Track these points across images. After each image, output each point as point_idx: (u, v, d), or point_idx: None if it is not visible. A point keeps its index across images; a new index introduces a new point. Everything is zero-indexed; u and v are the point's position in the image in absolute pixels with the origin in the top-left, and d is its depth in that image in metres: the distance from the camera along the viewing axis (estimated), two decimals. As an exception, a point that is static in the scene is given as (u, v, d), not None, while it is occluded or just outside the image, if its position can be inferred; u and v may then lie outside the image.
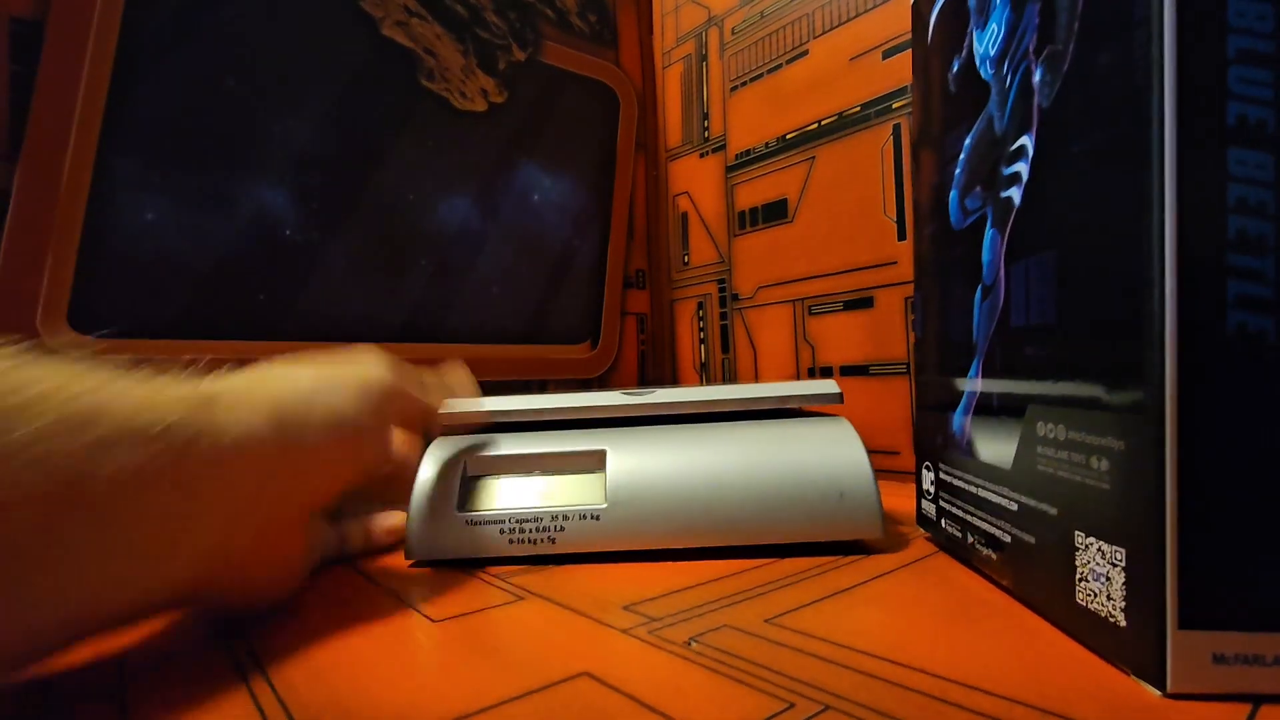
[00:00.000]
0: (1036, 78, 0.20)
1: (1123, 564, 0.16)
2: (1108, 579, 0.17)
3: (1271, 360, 0.15)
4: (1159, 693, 0.16)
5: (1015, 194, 0.22)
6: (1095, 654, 0.18)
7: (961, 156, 0.26)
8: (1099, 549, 0.17)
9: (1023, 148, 0.21)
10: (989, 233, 0.23)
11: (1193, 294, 0.15)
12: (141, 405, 0.16)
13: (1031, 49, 0.21)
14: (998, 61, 0.23)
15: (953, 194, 0.26)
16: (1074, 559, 0.18)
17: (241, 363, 0.24)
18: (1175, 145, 0.15)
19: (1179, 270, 0.15)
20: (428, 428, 0.31)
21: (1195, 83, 0.15)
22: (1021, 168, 0.21)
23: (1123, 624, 0.17)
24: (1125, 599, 0.16)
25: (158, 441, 0.16)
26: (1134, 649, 0.16)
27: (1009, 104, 0.22)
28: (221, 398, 0.19)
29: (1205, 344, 0.15)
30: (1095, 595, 0.18)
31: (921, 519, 0.31)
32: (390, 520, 0.32)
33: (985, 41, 0.24)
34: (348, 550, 0.30)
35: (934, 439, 0.29)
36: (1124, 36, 0.16)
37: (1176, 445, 0.15)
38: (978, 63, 0.24)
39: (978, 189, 0.24)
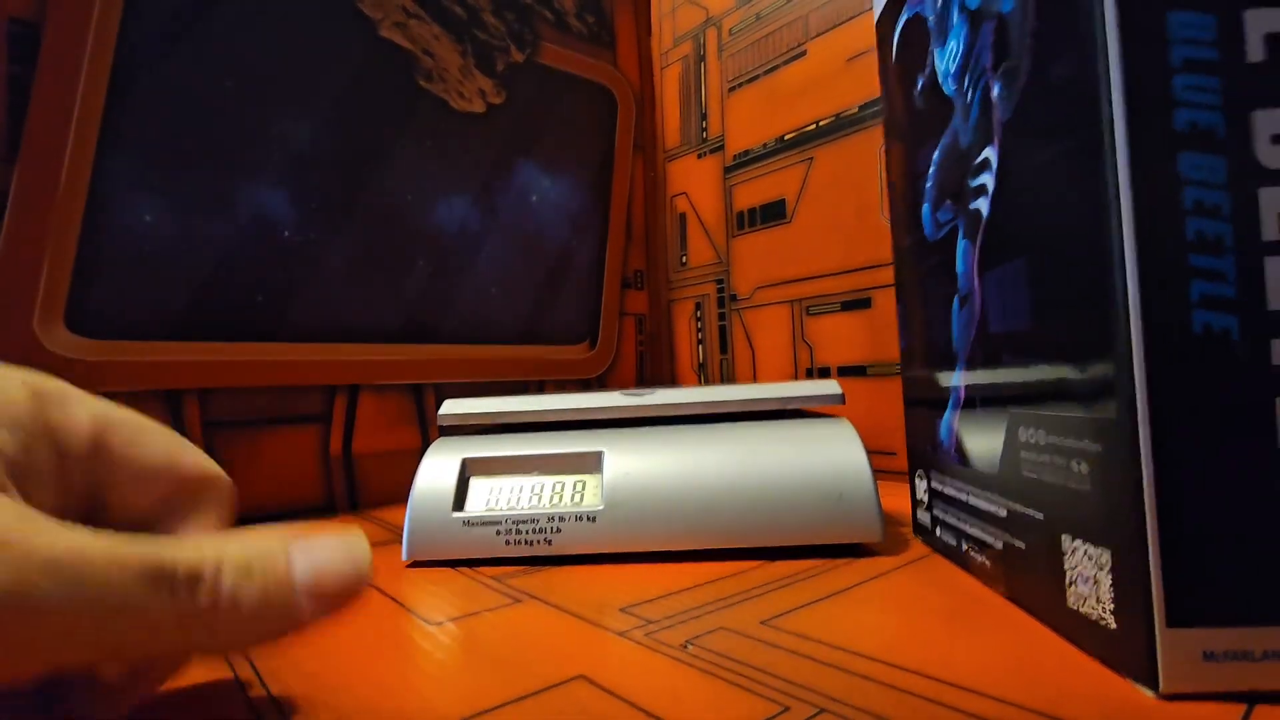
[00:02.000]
0: (995, 92, 0.21)
1: (1109, 566, 0.17)
2: (1095, 581, 0.17)
3: (1237, 357, 0.15)
4: (1153, 694, 0.16)
5: (983, 205, 0.22)
6: (1090, 657, 0.18)
7: (931, 170, 0.26)
8: (1085, 552, 0.18)
9: (987, 160, 0.21)
10: (961, 243, 0.24)
11: (1157, 296, 0.15)
12: None
13: (989, 65, 0.21)
14: (958, 77, 0.23)
15: (925, 207, 0.27)
16: (1062, 563, 0.19)
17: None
18: (1128, 152, 0.15)
19: (1141, 273, 0.15)
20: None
21: (1142, 92, 0.15)
22: (987, 179, 0.22)
23: (1113, 626, 0.17)
24: (1114, 600, 0.17)
25: None
26: (1125, 651, 0.16)
27: (972, 118, 0.22)
28: None
29: (1172, 344, 0.15)
30: (1085, 598, 0.18)
31: (918, 527, 0.31)
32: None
33: (946, 58, 0.24)
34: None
35: (924, 447, 0.29)
36: (1072, 50, 0.17)
37: (1151, 445, 0.15)
38: (940, 79, 0.25)
39: (948, 202, 0.25)
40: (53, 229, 0.36)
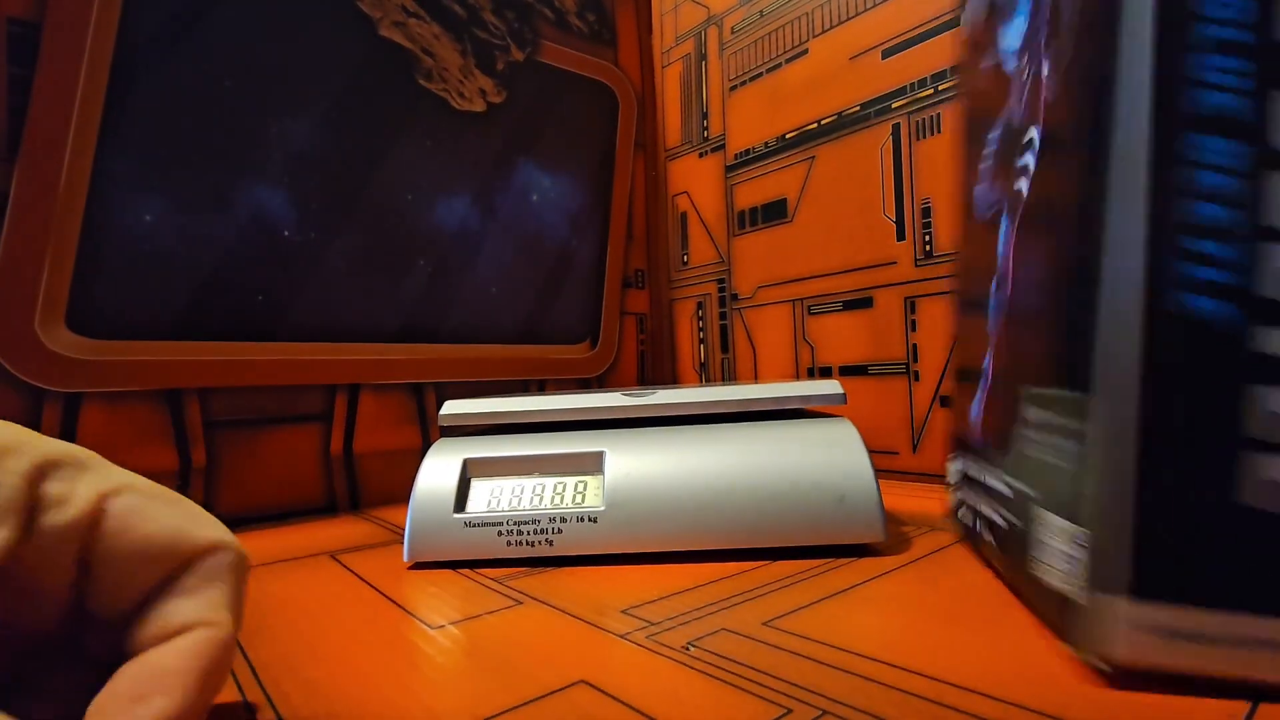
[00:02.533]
0: (1044, 70, 0.20)
1: (1086, 544, 0.17)
2: (1072, 558, 0.17)
3: (1232, 345, 0.15)
4: (1109, 669, 0.16)
5: (1024, 185, 0.22)
6: (1058, 634, 0.18)
7: (989, 151, 0.26)
8: (1065, 529, 0.18)
9: (1031, 140, 0.21)
10: (1003, 224, 0.24)
11: (1158, 278, 0.15)
12: None
13: (1044, 42, 0.21)
14: (1019, 55, 0.23)
15: (979, 188, 0.27)
16: (1044, 539, 0.19)
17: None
18: (1150, 133, 0.15)
19: (1149, 254, 0.15)
20: None
21: (1168, 72, 0.15)
22: (1030, 159, 0.22)
23: (1083, 602, 0.17)
24: (1088, 578, 0.17)
25: None
26: (1090, 625, 0.17)
27: (1024, 97, 0.22)
28: None
29: (1169, 328, 0.15)
30: (1062, 574, 0.18)
31: (950, 511, 0.31)
32: None
33: (1009, 36, 0.24)
34: None
35: (961, 430, 0.30)
36: (1105, 26, 0.17)
37: (1139, 427, 0.15)
38: (1003, 58, 0.25)
39: (998, 181, 0.25)
40: (53, 229, 0.36)
